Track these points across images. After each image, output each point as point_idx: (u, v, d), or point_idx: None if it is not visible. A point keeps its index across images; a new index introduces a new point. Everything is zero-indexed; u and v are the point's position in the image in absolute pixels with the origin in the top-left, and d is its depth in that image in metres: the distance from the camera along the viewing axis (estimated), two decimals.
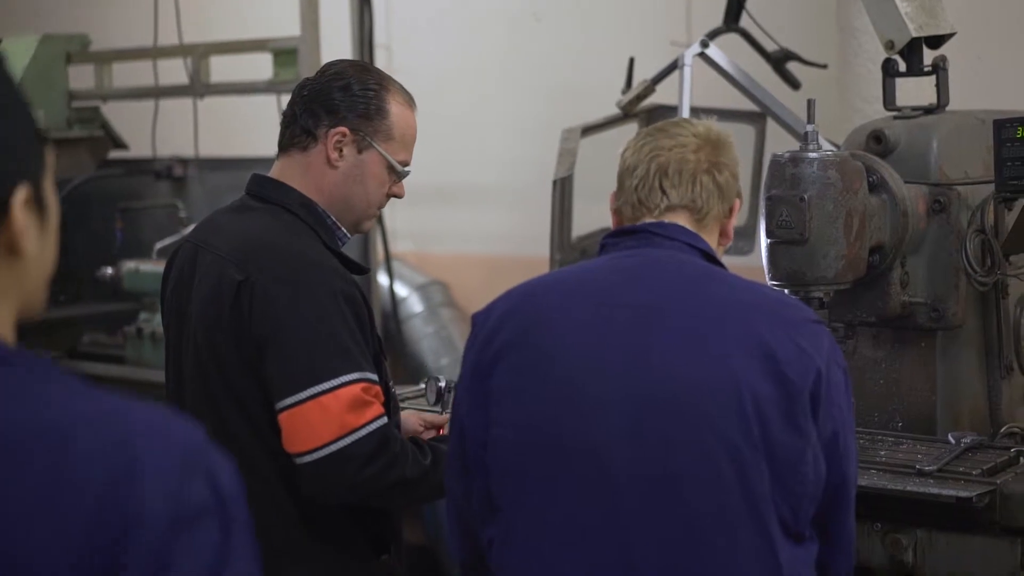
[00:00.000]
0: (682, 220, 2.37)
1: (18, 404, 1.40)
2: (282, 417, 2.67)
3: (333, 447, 2.64)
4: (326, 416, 2.64)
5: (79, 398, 1.43)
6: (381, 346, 2.83)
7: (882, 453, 3.05)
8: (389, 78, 2.92)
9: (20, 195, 1.49)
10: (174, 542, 1.37)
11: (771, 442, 2.15)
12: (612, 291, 2.30)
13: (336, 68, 2.90)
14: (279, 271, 2.71)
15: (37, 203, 1.53)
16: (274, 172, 2.89)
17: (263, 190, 2.87)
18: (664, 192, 2.38)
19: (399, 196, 2.93)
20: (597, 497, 2.20)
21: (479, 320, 2.39)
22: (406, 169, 2.90)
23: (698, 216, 2.38)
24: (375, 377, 2.72)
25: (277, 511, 2.74)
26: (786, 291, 3.03)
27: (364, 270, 2.99)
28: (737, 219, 2.48)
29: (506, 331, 2.32)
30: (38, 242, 1.53)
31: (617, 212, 2.44)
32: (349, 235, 2.90)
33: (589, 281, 2.36)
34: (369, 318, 2.78)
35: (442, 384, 3.09)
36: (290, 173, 2.86)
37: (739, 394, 2.16)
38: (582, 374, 2.24)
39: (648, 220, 2.38)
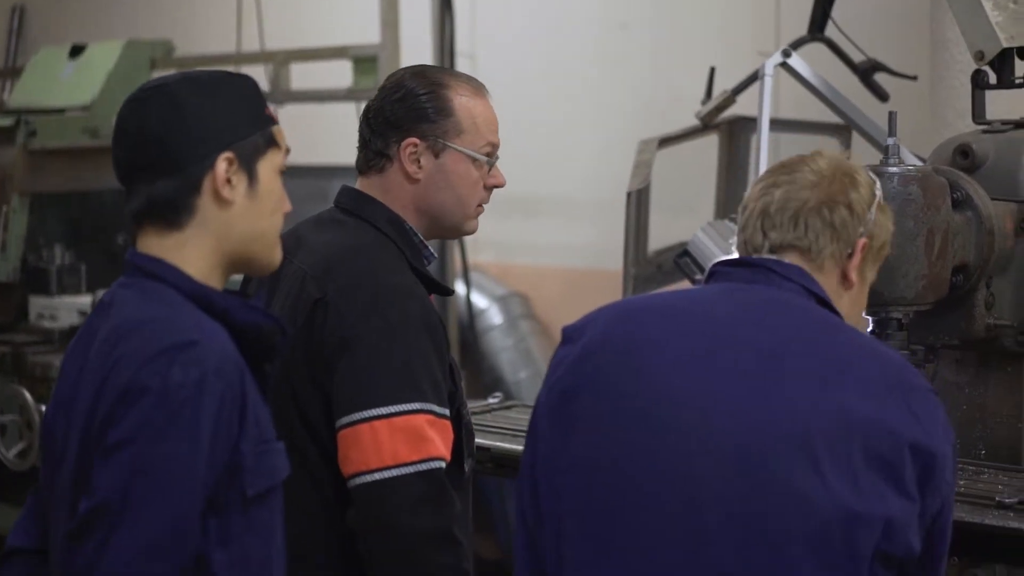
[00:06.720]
0: (795, 260, 2.22)
1: (120, 311, 2.08)
2: (339, 436, 2.60)
3: (376, 476, 2.54)
4: (376, 442, 2.55)
5: (151, 308, 2.05)
6: (454, 371, 2.73)
7: (961, 483, 2.90)
8: (446, 72, 2.85)
9: (224, 155, 2.05)
10: (119, 406, 1.98)
11: (885, 504, 2.04)
12: (729, 327, 2.17)
13: (392, 80, 2.82)
14: (357, 292, 2.64)
15: (244, 168, 2.07)
16: (359, 188, 2.83)
17: (352, 203, 2.80)
18: (764, 233, 2.24)
19: (500, 185, 2.80)
20: (684, 534, 2.07)
21: (570, 336, 2.26)
22: (494, 156, 2.79)
23: (810, 256, 2.22)
24: (444, 411, 2.63)
25: (335, 532, 2.64)
26: (863, 313, 2.90)
27: (449, 291, 2.89)
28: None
29: (602, 354, 2.19)
30: (244, 199, 2.08)
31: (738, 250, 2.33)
32: (435, 255, 2.82)
33: (699, 311, 2.22)
34: (446, 343, 2.70)
35: None
36: (374, 192, 2.79)
37: (851, 451, 2.04)
38: (685, 409, 2.11)
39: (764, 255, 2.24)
